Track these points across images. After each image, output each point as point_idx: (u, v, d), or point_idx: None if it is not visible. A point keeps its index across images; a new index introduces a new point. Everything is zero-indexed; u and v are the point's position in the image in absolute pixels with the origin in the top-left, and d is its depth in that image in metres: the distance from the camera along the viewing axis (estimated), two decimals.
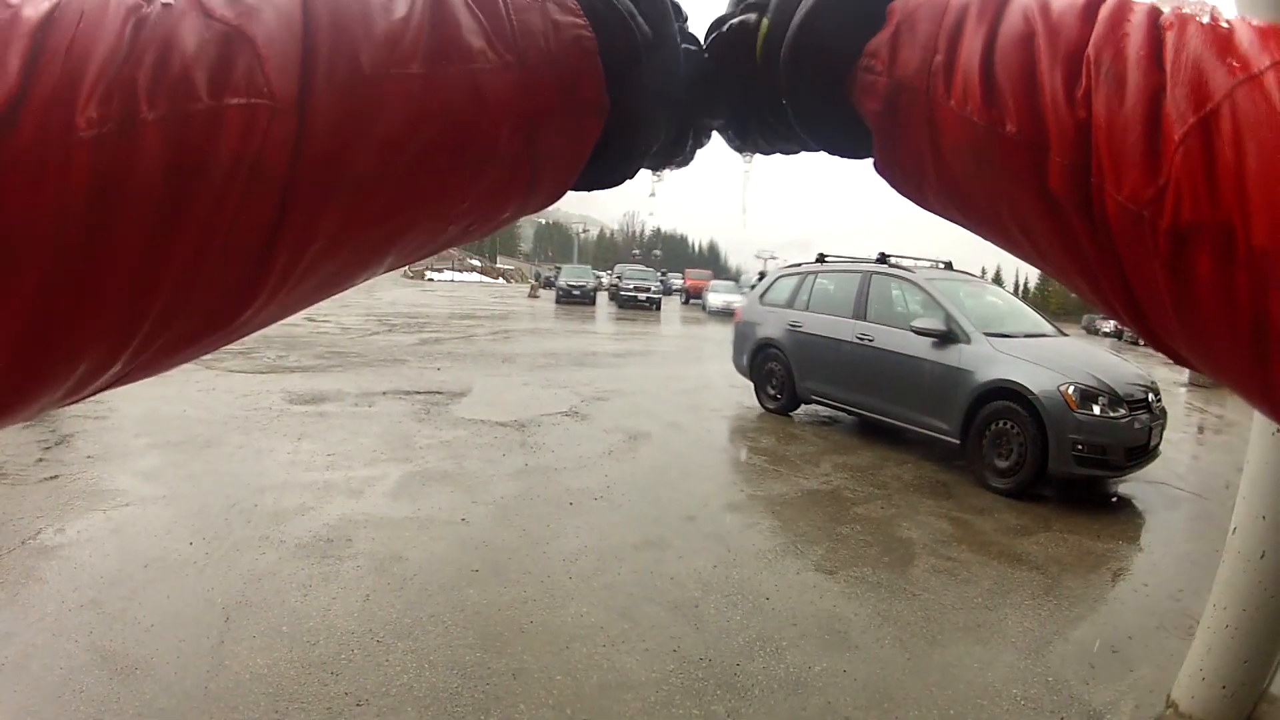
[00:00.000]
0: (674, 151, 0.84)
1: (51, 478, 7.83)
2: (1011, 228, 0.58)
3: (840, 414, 13.16)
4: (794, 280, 13.99)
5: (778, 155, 0.86)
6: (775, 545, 7.21)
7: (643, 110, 0.71)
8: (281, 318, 0.56)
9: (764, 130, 0.80)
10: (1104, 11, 0.52)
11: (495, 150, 0.58)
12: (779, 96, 0.72)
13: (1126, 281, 0.50)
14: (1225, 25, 0.47)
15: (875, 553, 7.17)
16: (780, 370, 13.62)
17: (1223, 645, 4.34)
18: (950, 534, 7.85)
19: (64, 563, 5.93)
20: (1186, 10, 0.50)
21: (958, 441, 10.12)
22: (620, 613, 5.67)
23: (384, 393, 13.50)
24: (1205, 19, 0.48)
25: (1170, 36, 0.48)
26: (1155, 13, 0.51)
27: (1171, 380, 27.31)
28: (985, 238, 0.63)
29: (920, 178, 0.63)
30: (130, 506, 7.17)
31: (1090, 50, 0.50)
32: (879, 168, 0.68)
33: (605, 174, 0.74)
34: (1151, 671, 5.36)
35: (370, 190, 0.50)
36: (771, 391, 13.86)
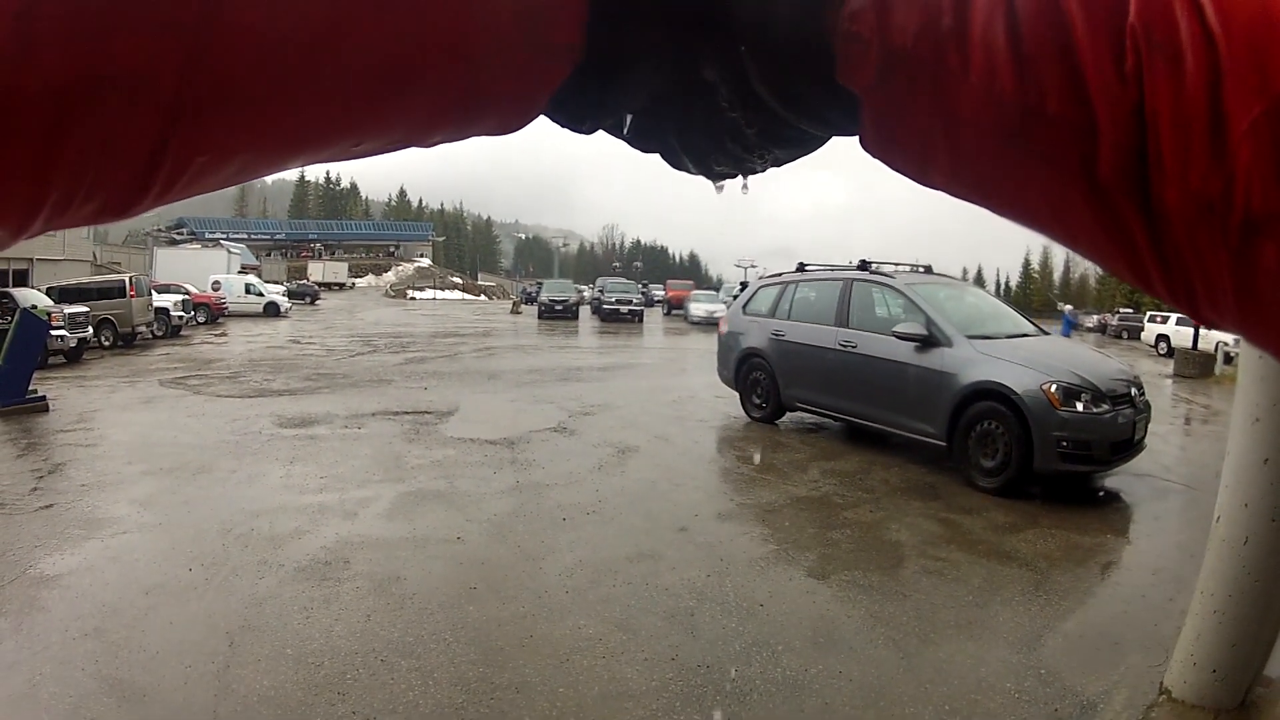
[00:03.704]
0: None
1: (47, 507, 7.89)
2: (1042, 211, 0.53)
3: (826, 420, 13.23)
4: (775, 290, 14.07)
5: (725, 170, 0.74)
6: (767, 553, 7.28)
7: (630, 60, 0.61)
8: (184, 198, 0.53)
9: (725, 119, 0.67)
10: None
11: (421, 82, 0.53)
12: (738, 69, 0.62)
13: (1185, 269, 0.47)
14: None
15: (866, 556, 7.26)
16: (765, 379, 13.68)
17: (1212, 630, 4.42)
18: (939, 534, 7.93)
19: (65, 592, 5.99)
20: None
21: (944, 443, 10.19)
22: (618, 624, 5.74)
23: (372, 414, 13.56)
24: None
25: (1209, 2, 0.43)
26: None
27: (1156, 373, 27.47)
28: (1006, 218, 0.57)
29: (927, 158, 0.56)
30: (127, 534, 7.23)
31: (1134, 19, 0.44)
32: (869, 145, 0.59)
33: (564, 118, 0.65)
34: (1143, 660, 5.44)
35: (264, 112, 0.48)
36: (757, 400, 13.91)
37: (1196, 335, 32.32)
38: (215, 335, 33.56)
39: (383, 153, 0.59)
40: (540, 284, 66.92)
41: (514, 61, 0.55)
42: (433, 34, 0.51)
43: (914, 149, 0.56)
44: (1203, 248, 0.45)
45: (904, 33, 0.51)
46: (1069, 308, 52.31)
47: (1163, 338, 43.87)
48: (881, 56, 0.53)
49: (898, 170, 0.59)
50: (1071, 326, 41.48)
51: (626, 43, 0.59)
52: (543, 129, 0.67)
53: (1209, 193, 0.43)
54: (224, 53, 0.44)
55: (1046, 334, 11.79)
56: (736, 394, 14.48)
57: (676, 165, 0.74)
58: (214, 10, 0.43)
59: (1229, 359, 27.18)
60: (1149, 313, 52.75)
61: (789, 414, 13.71)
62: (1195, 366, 27.62)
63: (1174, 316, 44.63)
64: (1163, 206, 0.45)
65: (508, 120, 0.60)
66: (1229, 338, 31.38)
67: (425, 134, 0.58)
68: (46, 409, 13.66)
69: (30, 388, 13.90)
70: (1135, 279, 0.51)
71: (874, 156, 0.59)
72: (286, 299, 52.72)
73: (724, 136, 0.69)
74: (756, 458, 11.24)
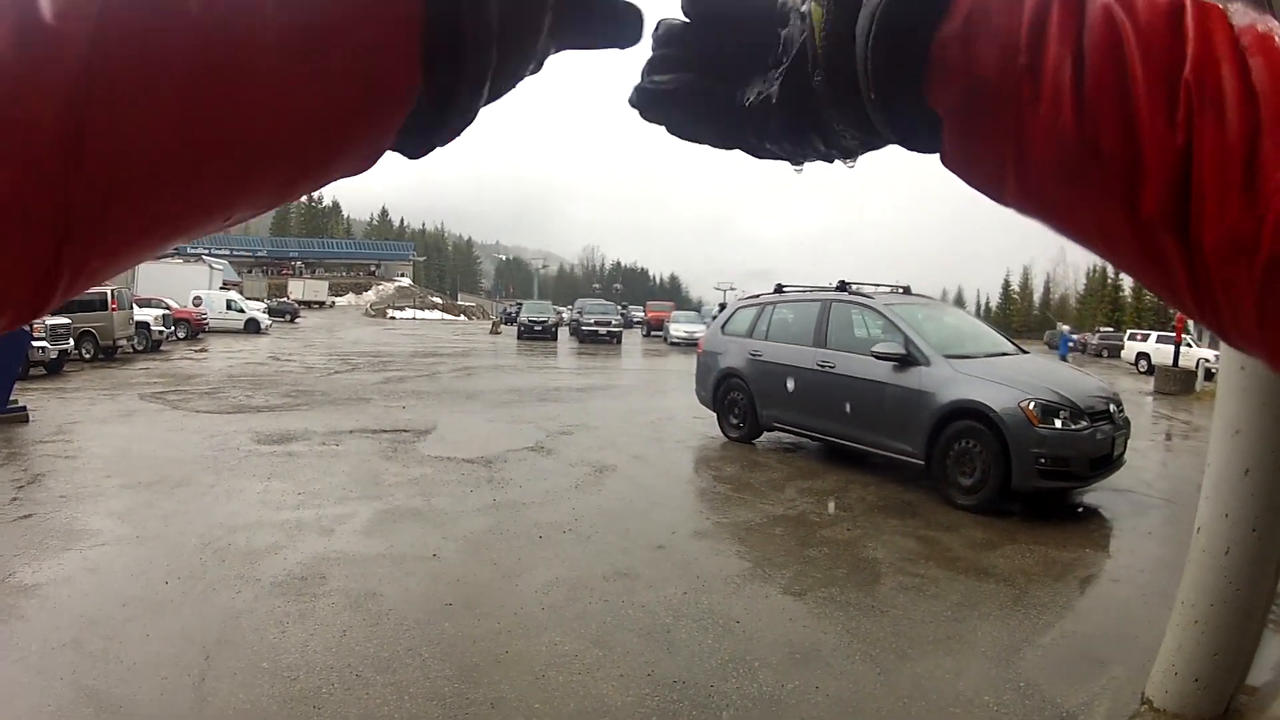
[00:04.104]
0: None
1: (25, 517, 7.83)
2: (1094, 236, 0.57)
3: (803, 440, 13.26)
4: (754, 311, 14.13)
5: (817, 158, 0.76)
6: (743, 570, 7.28)
7: (461, 97, 0.61)
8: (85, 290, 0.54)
9: (818, 127, 0.70)
10: (1190, 22, 0.51)
11: (278, 153, 0.53)
12: (846, 88, 0.64)
13: (1215, 299, 0.51)
14: None
15: (843, 573, 7.26)
16: (742, 399, 13.71)
17: (1193, 640, 4.45)
18: (917, 551, 7.94)
19: (43, 602, 5.94)
20: (1260, 27, 0.50)
21: (922, 462, 10.22)
22: (594, 641, 5.73)
23: (350, 431, 13.50)
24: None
25: (1256, 64, 0.48)
26: (1232, 29, 0.50)
27: (1137, 390, 27.63)
28: (1064, 237, 0.60)
29: (999, 179, 0.59)
30: (106, 546, 7.17)
31: (1189, 74, 0.49)
32: (948, 162, 0.63)
33: (405, 148, 0.64)
34: (1124, 671, 5.46)
35: (148, 205, 0.49)
36: (734, 421, 13.93)
37: (1177, 353, 32.66)
38: (195, 351, 33.40)
39: (253, 216, 0.62)
40: (520, 305, 67.14)
41: (361, 116, 0.56)
42: (283, 112, 0.51)
43: (989, 169, 0.60)
44: (1231, 280, 0.49)
45: (986, 64, 0.56)
46: (1066, 328, 52.48)
47: (1143, 355, 44.24)
48: (965, 83, 0.57)
49: (974, 187, 0.63)
50: (1069, 346, 41.52)
51: (464, 75, 0.60)
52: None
53: (1240, 234, 0.47)
54: (96, 173, 0.45)
55: (1026, 353, 11.84)
56: (714, 416, 14.50)
57: (758, 155, 0.77)
58: (77, 137, 0.44)
59: (1210, 375, 27.41)
60: (1129, 331, 53.03)
61: (766, 434, 13.73)
62: (1176, 383, 27.89)
63: (1154, 335, 45.03)
64: (1199, 242, 0.49)
65: (361, 163, 0.61)
66: (1210, 354, 31.68)
67: (289, 194, 0.59)
68: (26, 420, 13.58)
69: (11, 398, 13.82)
70: (1171, 300, 0.56)
71: (953, 172, 0.63)
72: (267, 316, 52.66)
73: (816, 138, 0.71)
74: (733, 477, 11.22)
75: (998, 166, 0.58)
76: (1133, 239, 0.53)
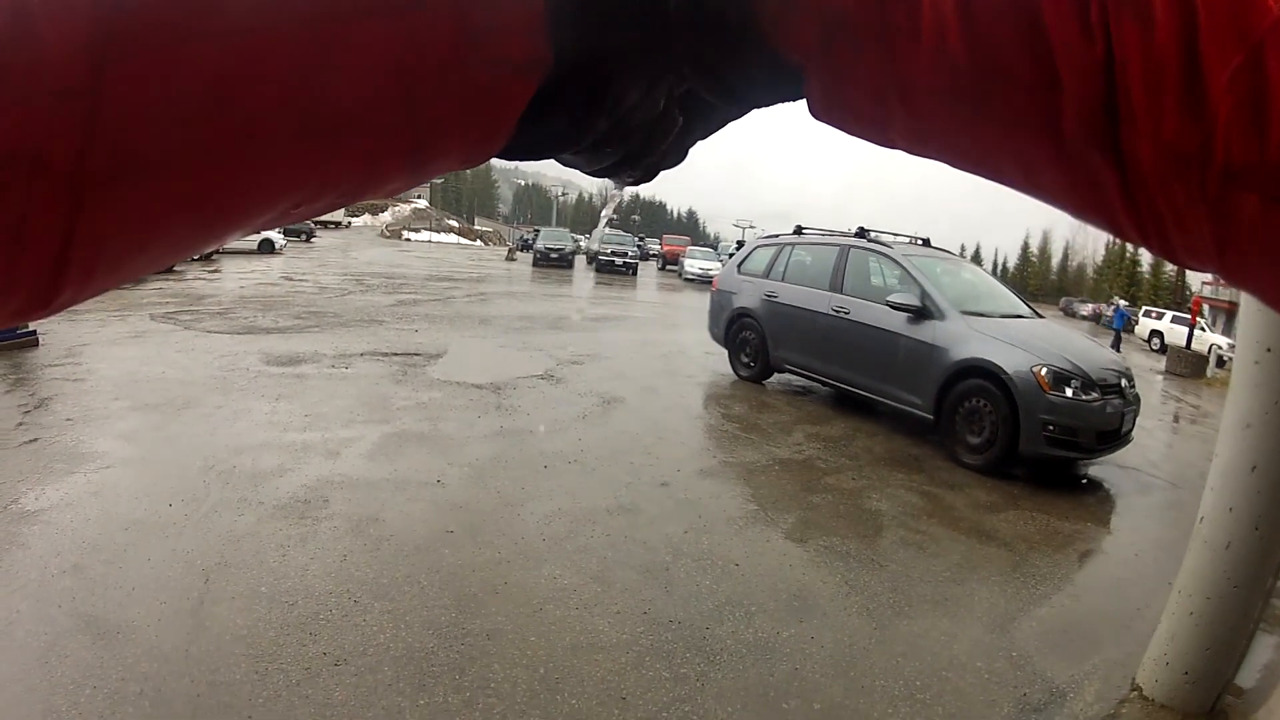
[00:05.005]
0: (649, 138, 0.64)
1: (31, 441, 7.82)
2: (1009, 169, 0.49)
3: (814, 384, 13.26)
4: (771, 251, 14.05)
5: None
6: (746, 512, 7.31)
7: (605, 68, 0.54)
8: (103, 292, 0.46)
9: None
10: None
11: (351, 119, 0.46)
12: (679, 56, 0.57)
13: (1159, 219, 0.44)
14: None
15: (845, 523, 7.28)
16: (754, 339, 13.71)
17: (1186, 633, 4.44)
18: (920, 507, 7.96)
19: (46, 527, 5.94)
20: None
21: (930, 417, 10.24)
22: (593, 576, 5.75)
23: (361, 354, 13.50)
24: None
25: None
26: None
27: (1148, 367, 27.55)
28: (974, 174, 0.52)
29: (881, 122, 0.52)
30: (110, 469, 7.18)
31: None
32: (818, 113, 0.55)
33: (534, 145, 0.57)
34: (1116, 653, 5.45)
35: (181, 173, 0.41)
36: (745, 360, 13.97)
37: (1191, 335, 32.63)
38: (208, 271, 33.21)
39: (332, 209, 0.53)
40: (537, 231, 66.98)
41: (463, 89, 0.48)
42: (360, 72, 0.45)
43: (868, 114, 0.52)
44: (1177, 199, 0.42)
45: None
46: (1124, 302, 51.47)
47: (1156, 333, 44.15)
48: (821, 20, 0.49)
49: (854, 135, 0.55)
50: (1125, 320, 40.46)
51: (603, 45, 0.53)
52: None
53: (1184, 146, 0.40)
54: (118, 116, 0.38)
55: (1041, 317, 11.78)
56: (725, 351, 14.55)
57: (600, 174, 0.70)
58: (99, 69, 0.38)
59: (1221, 362, 27.36)
60: (1144, 307, 52.74)
61: (776, 375, 13.78)
62: (1187, 366, 27.81)
63: (1169, 314, 44.90)
64: (1135, 160, 0.42)
65: (471, 153, 0.53)
66: (1223, 340, 31.66)
67: (376, 184, 0.51)
68: (36, 344, 13.37)
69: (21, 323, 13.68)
70: (1109, 228, 0.48)
71: (825, 123, 0.55)
72: (282, 236, 52.36)
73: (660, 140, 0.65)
74: (742, 417, 11.24)
75: (878, 109, 0.50)
76: (1056, 166, 0.45)
